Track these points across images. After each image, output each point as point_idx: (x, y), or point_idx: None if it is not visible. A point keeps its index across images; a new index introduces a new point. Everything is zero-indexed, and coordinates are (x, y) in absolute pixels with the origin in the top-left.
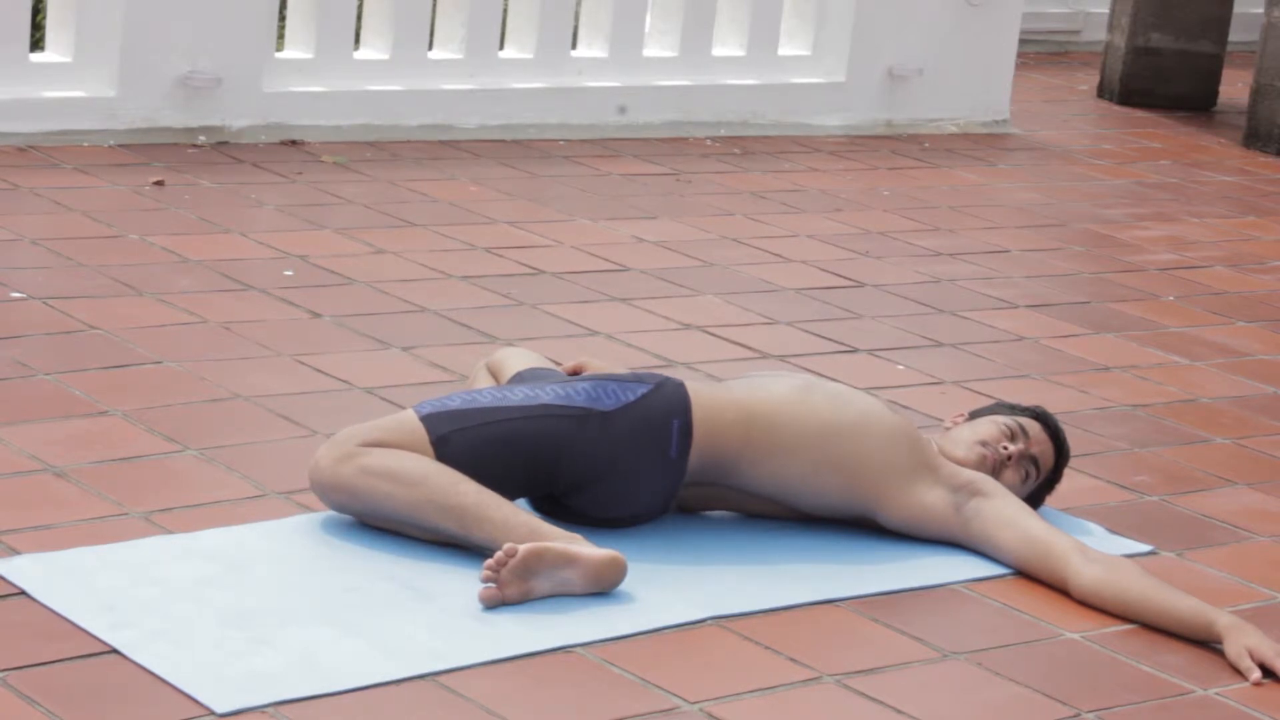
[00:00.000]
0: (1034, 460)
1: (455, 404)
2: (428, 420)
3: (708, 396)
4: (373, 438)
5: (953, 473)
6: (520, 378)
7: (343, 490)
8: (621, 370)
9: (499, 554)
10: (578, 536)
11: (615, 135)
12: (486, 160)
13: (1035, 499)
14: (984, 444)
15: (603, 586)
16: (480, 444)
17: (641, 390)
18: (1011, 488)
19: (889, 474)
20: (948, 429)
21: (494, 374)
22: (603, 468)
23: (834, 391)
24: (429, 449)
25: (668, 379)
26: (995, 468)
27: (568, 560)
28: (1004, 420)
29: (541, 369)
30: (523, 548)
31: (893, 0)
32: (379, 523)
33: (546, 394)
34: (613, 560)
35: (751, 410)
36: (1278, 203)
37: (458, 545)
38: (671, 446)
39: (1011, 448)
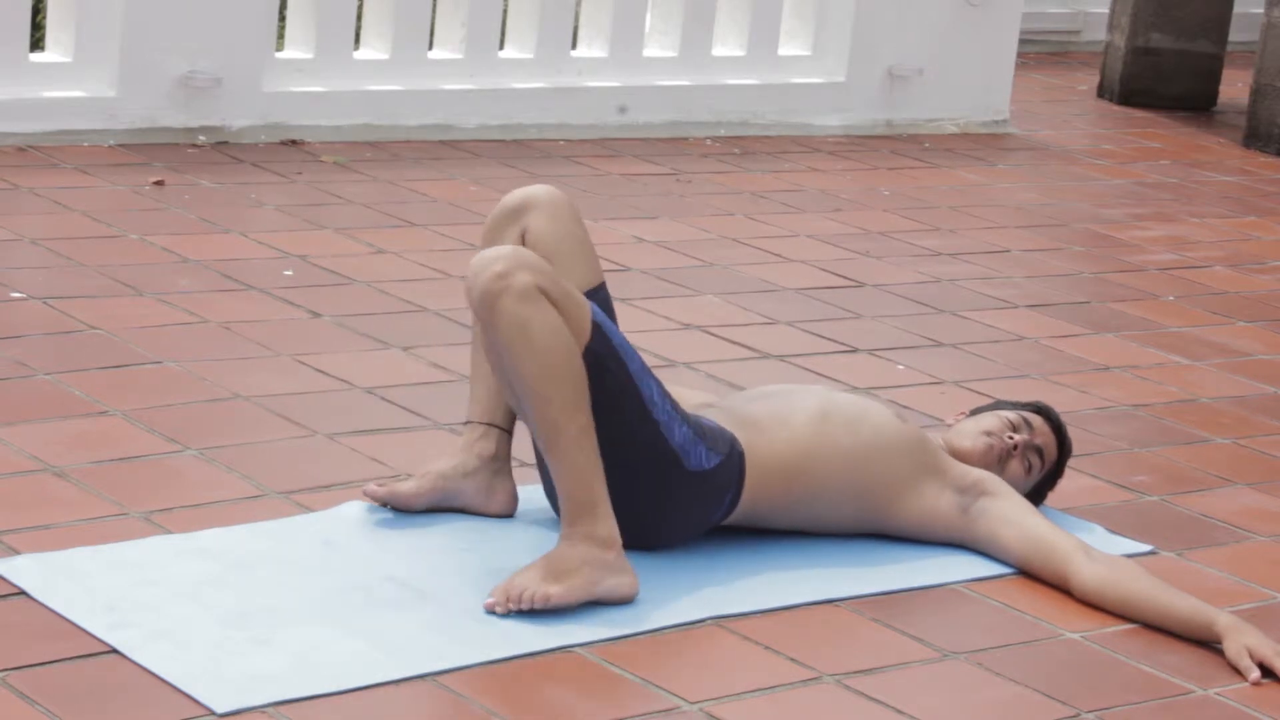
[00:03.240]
0: (1038, 451)
1: (617, 339)
2: (595, 329)
3: (759, 465)
4: (554, 290)
5: (961, 474)
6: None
7: (489, 312)
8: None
9: (521, 598)
10: (617, 539)
11: (615, 135)
12: (486, 160)
13: (1038, 493)
14: (989, 433)
15: (609, 602)
16: (602, 390)
17: (715, 460)
18: (1016, 479)
19: (897, 489)
20: (950, 425)
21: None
22: (652, 514)
23: (846, 414)
24: (579, 347)
25: (734, 446)
26: (1001, 457)
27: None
28: (1008, 414)
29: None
30: (552, 598)
31: (893, 0)
32: (482, 347)
33: (663, 410)
34: (629, 594)
35: (789, 467)
36: (1278, 203)
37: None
38: (719, 513)
39: (1017, 437)
